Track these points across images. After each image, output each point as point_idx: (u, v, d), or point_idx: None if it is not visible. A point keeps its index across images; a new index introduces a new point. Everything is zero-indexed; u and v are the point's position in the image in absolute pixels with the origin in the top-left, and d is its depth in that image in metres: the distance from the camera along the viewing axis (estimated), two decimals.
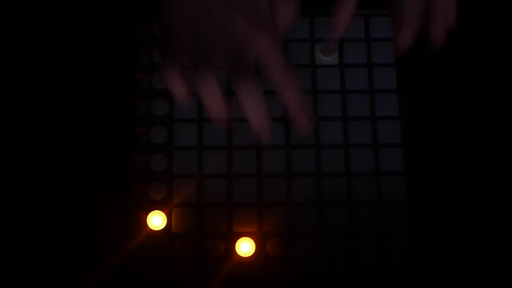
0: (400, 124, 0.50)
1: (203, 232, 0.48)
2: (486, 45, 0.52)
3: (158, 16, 0.44)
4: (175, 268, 0.47)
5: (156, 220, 0.47)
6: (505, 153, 0.50)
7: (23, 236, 0.48)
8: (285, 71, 0.42)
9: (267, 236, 0.48)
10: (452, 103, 0.51)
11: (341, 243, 0.48)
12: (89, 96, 0.50)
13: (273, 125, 0.50)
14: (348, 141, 0.50)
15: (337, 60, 0.51)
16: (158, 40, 0.42)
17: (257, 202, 0.48)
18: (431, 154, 0.50)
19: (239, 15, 0.42)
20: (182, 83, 0.42)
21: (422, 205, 0.49)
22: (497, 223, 0.49)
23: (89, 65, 0.51)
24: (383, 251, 0.48)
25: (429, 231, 0.48)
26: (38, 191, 0.49)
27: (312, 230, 0.48)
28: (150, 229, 0.47)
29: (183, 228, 0.48)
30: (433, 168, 0.50)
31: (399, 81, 0.51)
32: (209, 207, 0.48)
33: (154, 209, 0.48)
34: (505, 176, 0.50)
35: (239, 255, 0.47)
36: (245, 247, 0.47)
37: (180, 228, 0.48)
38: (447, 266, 0.48)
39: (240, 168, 0.49)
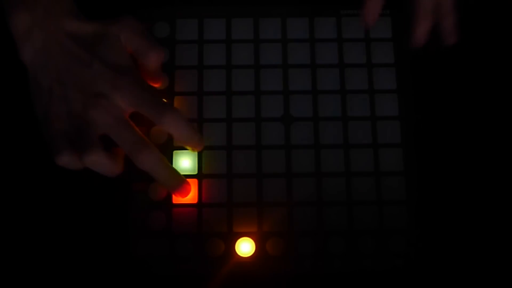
0: (400, 124, 0.50)
1: (203, 232, 0.48)
2: (486, 45, 0.52)
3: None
4: (175, 268, 0.47)
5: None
6: (505, 153, 0.50)
7: (21, 237, 0.48)
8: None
9: (267, 236, 0.48)
10: (452, 103, 0.51)
11: (341, 243, 0.48)
12: None
13: (273, 125, 0.50)
14: (348, 141, 0.50)
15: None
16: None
17: (257, 202, 0.48)
18: (431, 154, 0.50)
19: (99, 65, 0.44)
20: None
21: (422, 205, 0.49)
22: (497, 223, 0.49)
23: None
24: (383, 251, 0.48)
25: (429, 231, 0.48)
26: (37, 191, 0.49)
27: (312, 230, 0.48)
28: (149, 229, 0.48)
29: (183, 228, 0.48)
30: (433, 168, 0.50)
31: (399, 81, 0.51)
32: (209, 207, 0.48)
33: (154, 209, 0.48)
34: (505, 176, 0.50)
35: (239, 255, 0.47)
36: (245, 247, 0.47)
37: (180, 228, 0.48)
38: (447, 266, 0.48)
39: (240, 168, 0.49)
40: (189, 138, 0.46)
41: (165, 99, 0.48)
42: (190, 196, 0.48)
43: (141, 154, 0.44)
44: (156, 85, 0.49)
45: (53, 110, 0.44)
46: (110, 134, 0.44)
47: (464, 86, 0.52)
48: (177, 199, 0.48)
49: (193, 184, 0.48)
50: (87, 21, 0.46)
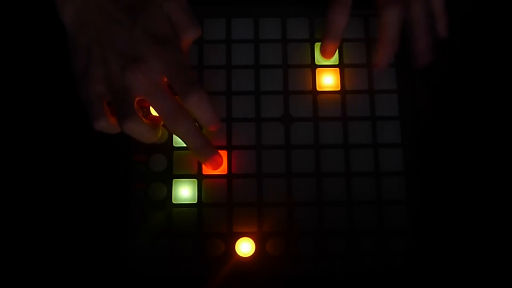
0: (400, 124, 0.50)
1: (203, 232, 0.48)
2: (486, 45, 0.52)
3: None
4: (175, 268, 0.47)
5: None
6: (505, 153, 0.50)
7: (20, 237, 0.48)
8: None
9: (267, 236, 0.48)
10: (452, 103, 0.51)
11: (341, 243, 0.48)
12: None
13: (273, 125, 0.50)
14: (348, 141, 0.50)
15: (337, 60, 0.51)
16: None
17: (257, 202, 0.48)
18: (431, 154, 0.50)
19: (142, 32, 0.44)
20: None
21: (422, 205, 0.49)
22: (497, 223, 0.49)
23: None
24: (383, 251, 0.48)
25: (429, 231, 0.48)
26: (37, 191, 0.49)
27: (312, 230, 0.48)
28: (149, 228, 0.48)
29: (183, 228, 0.48)
30: (433, 168, 0.50)
31: (399, 81, 0.51)
32: (209, 207, 0.48)
33: (154, 209, 0.48)
34: (505, 176, 0.50)
35: (239, 255, 0.47)
36: (245, 247, 0.47)
37: (180, 228, 0.48)
38: (447, 266, 0.48)
39: (240, 168, 0.49)
40: (209, 121, 0.46)
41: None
42: (189, 195, 0.48)
43: (176, 121, 0.44)
44: None
45: (91, 71, 0.44)
46: (147, 99, 0.44)
47: (464, 86, 0.52)
48: (177, 199, 0.48)
49: (193, 183, 0.48)
50: None
